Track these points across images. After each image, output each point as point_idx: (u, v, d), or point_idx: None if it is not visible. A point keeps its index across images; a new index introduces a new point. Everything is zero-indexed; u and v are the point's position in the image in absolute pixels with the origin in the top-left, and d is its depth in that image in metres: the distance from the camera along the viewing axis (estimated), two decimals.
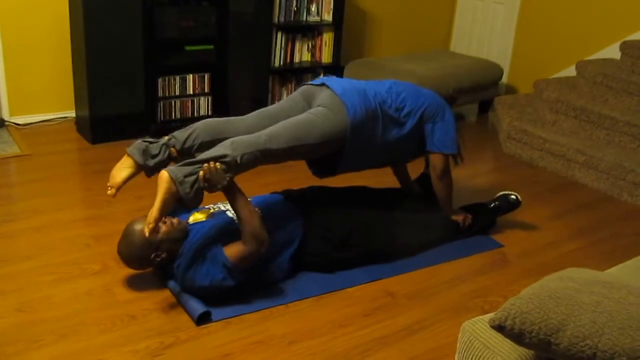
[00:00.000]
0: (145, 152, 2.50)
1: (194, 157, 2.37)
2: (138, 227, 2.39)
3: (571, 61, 5.02)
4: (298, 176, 3.52)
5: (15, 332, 2.20)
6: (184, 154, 2.52)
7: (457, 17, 6.02)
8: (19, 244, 2.78)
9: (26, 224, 2.96)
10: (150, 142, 2.53)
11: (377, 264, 2.78)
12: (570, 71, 4.98)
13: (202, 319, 2.32)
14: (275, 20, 4.56)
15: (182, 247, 2.42)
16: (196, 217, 2.57)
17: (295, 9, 4.65)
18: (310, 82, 2.79)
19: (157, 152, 2.51)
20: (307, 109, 2.65)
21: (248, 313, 2.39)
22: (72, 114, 4.31)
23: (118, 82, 3.97)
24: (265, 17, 4.48)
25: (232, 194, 2.35)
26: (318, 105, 2.62)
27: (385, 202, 2.97)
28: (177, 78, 4.23)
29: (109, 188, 2.50)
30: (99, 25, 3.79)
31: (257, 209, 2.51)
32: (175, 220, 2.45)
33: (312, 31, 4.80)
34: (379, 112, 2.68)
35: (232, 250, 2.33)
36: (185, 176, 2.26)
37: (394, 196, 3.07)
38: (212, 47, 4.29)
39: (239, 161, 2.34)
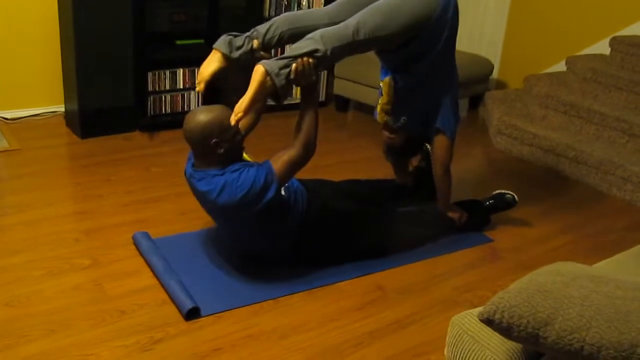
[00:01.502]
0: (230, 44, 2.54)
1: (274, 48, 2.46)
2: (225, 109, 2.38)
3: (561, 57, 5.04)
4: None
5: (4, 327, 2.19)
6: (266, 45, 2.57)
7: None
8: (8, 238, 2.77)
9: (15, 218, 2.94)
10: (235, 36, 2.57)
11: (368, 258, 2.78)
12: (561, 66, 5.00)
13: (192, 314, 2.31)
14: (266, 14, 4.55)
15: (232, 164, 2.39)
16: (246, 157, 2.56)
17: (286, 3, 4.64)
18: None
19: (241, 43, 2.55)
20: None
21: (238, 307, 2.39)
22: (61, 108, 4.28)
23: (108, 76, 3.95)
24: (256, 12, 4.46)
25: (312, 92, 2.44)
26: None
27: (378, 196, 2.97)
28: (168, 72, 4.20)
29: (198, 84, 2.54)
30: (88, 19, 3.76)
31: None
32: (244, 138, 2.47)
33: None
34: (454, 18, 2.68)
35: (279, 160, 2.38)
36: (281, 68, 2.30)
37: (387, 189, 3.07)
38: (202, 41, 4.27)
39: (329, 54, 2.36)
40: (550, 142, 4.10)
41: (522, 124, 4.32)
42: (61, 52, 4.05)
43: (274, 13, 4.57)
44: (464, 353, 1.61)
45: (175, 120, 4.12)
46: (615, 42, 4.41)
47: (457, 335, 1.64)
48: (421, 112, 2.85)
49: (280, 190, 2.40)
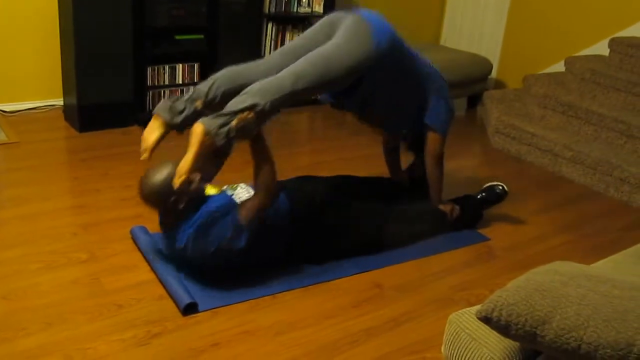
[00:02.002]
0: (171, 110, 2.52)
1: (217, 106, 2.40)
2: (174, 168, 2.37)
3: (560, 57, 5.05)
4: (288, 166, 3.51)
5: (1, 320, 2.19)
6: (209, 105, 2.54)
7: (448, 11, 6.02)
8: (5, 231, 2.76)
9: (12, 212, 2.94)
10: (175, 100, 2.55)
11: (365, 255, 2.79)
12: (559, 67, 5.01)
13: (189, 309, 2.32)
14: (266, 10, 4.55)
15: (196, 213, 2.40)
16: (209, 190, 2.56)
17: None
18: (336, 12, 2.74)
19: (182, 107, 2.53)
20: (330, 38, 2.59)
21: (235, 303, 2.40)
22: (60, 102, 4.27)
23: (107, 70, 3.94)
24: (255, 8, 4.46)
25: (260, 142, 2.45)
26: (342, 33, 2.55)
27: (373, 193, 2.97)
28: (167, 67, 4.20)
29: (143, 152, 2.51)
30: (88, 13, 3.76)
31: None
32: (202, 186, 2.47)
33: (302, 22, 4.78)
34: (402, 45, 2.66)
35: (244, 209, 2.38)
36: (220, 127, 2.30)
37: (383, 186, 3.08)
38: (202, 36, 4.27)
39: (267, 108, 2.36)
40: (548, 142, 4.11)
41: (521, 123, 4.33)
42: (60, 46, 4.04)
43: (273, 9, 4.57)
44: (461, 351, 1.61)
45: None
46: (614, 43, 4.42)
47: (454, 333, 1.64)
48: (416, 118, 2.89)
49: (249, 237, 2.39)
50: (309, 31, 2.71)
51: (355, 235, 2.76)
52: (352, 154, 4.03)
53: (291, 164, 3.55)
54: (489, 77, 5.32)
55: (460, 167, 3.99)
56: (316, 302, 2.46)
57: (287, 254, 2.64)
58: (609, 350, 1.24)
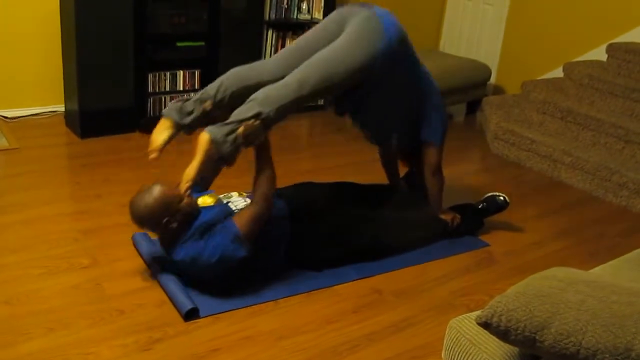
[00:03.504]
0: (180, 111, 2.53)
1: (226, 107, 2.44)
2: (163, 187, 2.38)
3: (558, 63, 5.07)
4: (288, 172, 3.52)
5: (3, 325, 2.20)
6: (217, 106, 2.56)
7: (447, 17, 6.05)
8: (7, 237, 2.77)
9: (14, 217, 2.95)
10: (184, 101, 2.56)
11: (365, 261, 2.80)
12: (558, 73, 5.03)
13: (191, 315, 2.33)
14: (266, 17, 4.57)
15: (191, 227, 2.40)
16: (205, 200, 2.57)
17: (286, 6, 4.66)
18: (349, 5, 2.70)
19: (191, 109, 2.54)
20: (339, 34, 2.56)
21: (236, 309, 2.41)
22: (61, 108, 4.29)
23: (108, 76, 3.96)
24: (256, 14, 4.48)
25: (265, 149, 2.47)
26: (350, 29, 2.53)
27: (373, 200, 2.99)
28: (168, 74, 4.22)
29: (150, 152, 2.52)
30: (89, 19, 3.78)
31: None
32: (194, 199, 2.47)
33: (302, 29, 4.80)
34: (410, 47, 2.65)
35: (242, 218, 2.39)
36: (226, 135, 2.32)
37: (382, 193, 3.09)
38: (203, 43, 4.29)
39: (272, 115, 2.38)
40: (547, 148, 4.13)
41: (520, 129, 4.35)
42: (62, 52, 4.06)
43: (274, 16, 4.60)
44: (461, 356, 1.62)
45: None
46: (611, 49, 4.44)
47: (454, 339, 1.65)
48: (408, 127, 2.90)
49: (250, 246, 2.40)
50: (319, 26, 2.69)
51: (354, 243, 2.76)
52: (351, 159, 4.04)
53: (291, 170, 3.56)
54: (488, 83, 5.34)
55: (460, 173, 4.01)
56: (317, 308, 2.47)
57: (286, 260, 2.65)
58: (607, 355, 1.26)
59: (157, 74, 4.17)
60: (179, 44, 4.19)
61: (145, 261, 2.65)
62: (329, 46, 2.52)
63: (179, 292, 2.39)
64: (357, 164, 3.97)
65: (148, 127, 4.13)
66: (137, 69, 4.05)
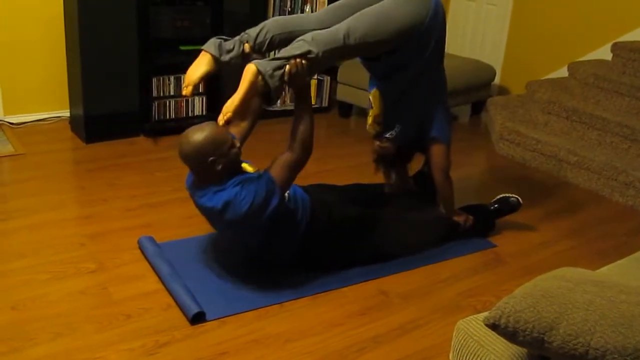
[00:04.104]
0: (220, 47, 2.52)
1: (265, 52, 2.42)
2: (216, 125, 2.36)
3: (563, 62, 5.06)
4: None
5: (10, 330, 2.21)
6: (257, 49, 2.54)
7: (450, 18, 6.04)
8: (13, 242, 2.78)
9: (20, 222, 2.96)
10: (225, 39, 2.55)
11: (372, 263, 2.79)
12: (562, 72, 5.01)
13: (197, 318, 2.33)
14: None
15: (232, 178, 2.38)
16: (246, 167, 2.55)
17: (289, 9, 4.66)
18: None
19: (231, 47, 2.52)
20: None
21: (243, 312, 2.41)
22: (66, 113, 4.30)
23: (112, 81, 3.97)
24: (259, 18, 4.48)
25: (305, 92, 2.43)
26: None
27: (382, 201, 2.98)
28: (172, 78, 4.23)
29: (185, 87, 2.50)
30: (93, 24, 3.79)
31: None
32: (240, 152, 2.46)
33: None
34: (444, 30, 2.68)
35: (277, 166, 2.38)
36: (274, 69, 2.29)
37: (390, 194, 3.08)
38: None
39: (320, 57, 2.35)
40: (553, 148, 4.11)
41: (525, 129, 4.34)
42: (66, 57, 4.08)
43: None
44: (469, 358, 1.62)
45: (180, 125, 4.12)
46: (616, 48, 4.43)
47: (462, 340, 1.65)
48: (415, 121, 2.87)
49: (283, 198, 2.40)
50: None
51: (364, 244, 2.76)
52: (356, 161, 4.04)
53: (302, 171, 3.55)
54: (493, 83, 5.33)
55: (465, 174, 4.00)
56: (323, 310, 2.47)
57: (295, 258, 2.64)
58: (616, 356, 1.25)
59: (161, 78, 4.18)
60: (182, 48, 4.20)
61: (151, 265, 2.65)
62: (379, 3, 2.53)
63: (186, 295, 2.40)
64: (362, 165, 3.97)
65: (153, 131, 4.16)
66: (141, 73, 4.06)
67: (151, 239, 2.79)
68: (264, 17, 4.50)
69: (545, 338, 1.33)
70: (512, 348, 1.54)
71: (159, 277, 2.56)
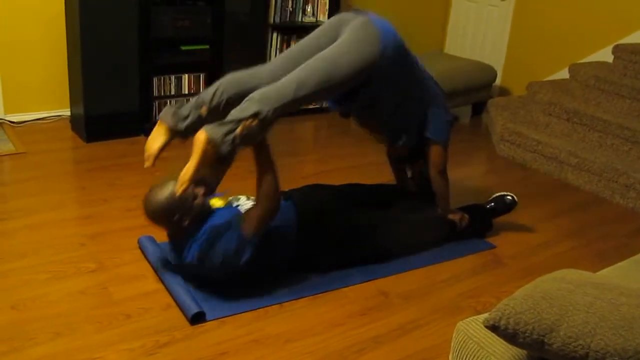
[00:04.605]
0: (176, 116, 2.50)
1: (222, 113, 2.39)
2: (176, 185, 2.37)
3: (564, 64, 5.06)
4: (293, 175, 3.53)
5: (10, 330, 2.20)
6: (213, 111, 2.52)
7: (451, 19, 6.04)
8: (14, 242, 2.78)
9: (20, 222, 2.95)
10: (179, 106, 2.54)
11: (371, 264, 2.79)
12: (563, 74, 5.01)
13: (197, 318, 2.33)
14: (271, 20, 4.57)
15: (202, 228, 2.40)
16: (215, 202, 2.57)
17: (290, 9, 4.67)
18: (346, 12, 2.73)
19: (187, 113, 2.51)
20: (335, 39, 2.57)
21: (243, 312, 2.40)
22: (67, 112, 4.30)
23: (113, 81, 3.97)
24: (260, 18, 4.49)
25: (264, 149, 2.42)
26: (347, 35, 2.53)
27: (381, 201, 2.98)
28: (173, 77, 4.23)
29: (146, 159, 2.50)
30: (94, 24, 3.79)
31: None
32: (207, 201, 2.46)
33: (307, 32, 4.79)
34: (408, 52, 2.65)
35: (247, 219, 2.38)
36: (225, 135, 2.28)
37: (390, 194, 3.08)
38: (207, 46, 4.30)
39: (271, 115, 2.34)
40: (554, 149, 4.11)
41: (526, 131, 4.34)
42: (67, 57, 4.08)
43: (278, 19, 4.60)
44: (469, 359, 1.62)
45: None
46: (617, 50, 4.42)
47: (462, 342, 1.65)
48: (415, 128, 2.89)
49: (254, 248, 2.39)
50: (316, 32, 2.69)
51: (362, 245, 2.76)
52: (357, 161, 4.04)
53: (296, 173, 3.56)
54: (494, 84, 5.33)
55: (466, 175, 4.00)
56: (323, 311, 2.47)
57: (293, 262, 2.65)
58: (617, 358, 1.25)
59: (162, 78, 4.18)
60: (183, 48, 4.20)
61: (151, 265, 2.65)
62: (327, 49, 2.52)
63: (186, 295, 2.39)
64: (363, 166, 3.97)
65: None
66: (142, 73, 4.06)
67: (151, 239, 2.79)
68: (265, 17, 4.50)
69: (546, 340, 1.33)
70: (512, 350, 1.53)
71: (159, 277, 2.56)
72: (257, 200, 2.44)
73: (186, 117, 2.50)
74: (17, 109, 4.19)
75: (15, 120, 4.17)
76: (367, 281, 2.69)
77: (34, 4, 4.03)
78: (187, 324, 2.31)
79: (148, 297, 2.46)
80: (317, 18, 4.81)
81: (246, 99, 2.37)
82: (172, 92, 4.26)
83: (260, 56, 4.54)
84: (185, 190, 2.30)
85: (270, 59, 4.63)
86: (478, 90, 5.12)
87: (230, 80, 2.56)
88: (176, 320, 2.33)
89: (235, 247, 2.35)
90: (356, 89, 2.62)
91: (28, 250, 2.72)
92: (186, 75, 4.28)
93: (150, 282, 2.55)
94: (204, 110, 2.51)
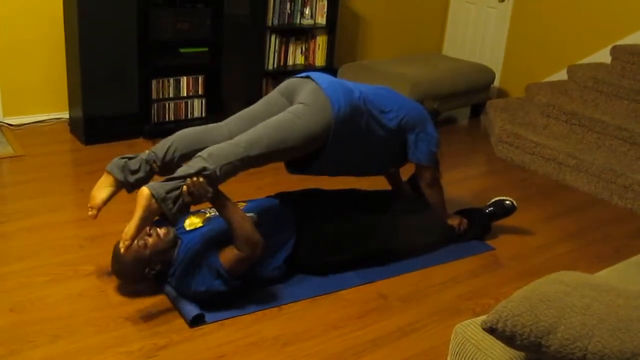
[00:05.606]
0: (124, 169, 2.47)
1: (174, 169, 2.34)
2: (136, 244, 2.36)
3: (562, 65, 5.06)
4: (292, 178, 3.52)
5: (9, 332, 2.20)
6: (165, 167, 2.49)
7: (450, 21, 6.05)
8: (12, 244, 2.78)
9: (19, 224, 2.96)
10: (130, 158, 2.50)
11: (370, 266, 2.79)
12: (562, 75, 5.02)
13: (196, 321, 2.33)
14: (269, 23, 4.57)
15: (176, 254, 2.42)
16: (192, 221, 2.57)
17: (289, 12, 4.67)
18: (294, 76, 2.72)
19: (136, 167, 2.47)
20: (288, 106, 2.57)
21: (241, 315, 2.41)
22: (65, 114, 4.30)
23: (112, 83, 3.97)
24: (259, 20, 4.49)
25: (219, 203, 2.34)
26: (300, 102, 2.53)
27: (378, 205, 2.98)
28: (172, 80, 4.23)
29: (90, 209, 2.45)
30: (93, 26, 3.79)
31: (251, 214, 2.52)
32: (162, 231, 2.41)
33: (305, 34, 4.81)
34: (363, 109, 2.61)
35: (227, 257, 2.33)
36: (167, 192, 2.22)
37: (387, 199, 3.09)
38: (206, 49, 4.30)
39: (218, 173, 2.29)
40: (552, 151, 4.12)
41: (524, 132, 4.34)
42: (66, 59, 4.08)
43: (276, 21, 4.60)
44: None
45: (179, 127, 4.08)
46: (615, 51, 4.43)
47: (460, 344, 1.65)
48: (398, 156, 2.90)
49: (233, 284, 2.37)
50: (268, 97, 2.69)
51: (360, 248, 2.76)
52: None
53: (292, 177, 3.55)
54: (492, 86, 5.34)
55: (464, 177, 4.00)
56: (322, 313, 2.47)
57: (292, 265, 2.65)
58: None
59: (160, 80, 4.18)
60: (182, 50, 4.20)
61: None
62: (282, 113, 2.50)
63: (184, 298, 2.39)
64: None
65: (152, 133, 4.16)
66: (140, 75, 4.06)
67: None
68: (264, 20, 4.50)
69: (543, 342, 1.33)
70: (510, 352, 1.54)
71: (158, 280, 2.56)
72: (237, 244, 2.33)
73: (136, 171, 2.47)
74: (15, 111, 4.19)
75: (14, 123, 4.17)
76: (365, 284, 2.69)
77: (32, 6, 4.03)
78: (186, 326, 2.31)
79: (146, 300, 2.45)
80: (315, 20, 4.82)
81: (196, 155, 2.34)
82: (171, 95, 4.26)
83: (259, 58, 4.54)
84: (128, 248, 2.21)
85: (268, 61, 4.64)
86: (476, 92, 5.12)
87: (183, 137, 2.54)
88: (174, 323, 2.33)
89: (215, 280, 2.34)
90: (315, 154, 2.59)
91: (27, 253, 2.72)
92: (185, 77, 4.28)
93: (148, 285, 2.54)
94: (155, 166, 2.49)
